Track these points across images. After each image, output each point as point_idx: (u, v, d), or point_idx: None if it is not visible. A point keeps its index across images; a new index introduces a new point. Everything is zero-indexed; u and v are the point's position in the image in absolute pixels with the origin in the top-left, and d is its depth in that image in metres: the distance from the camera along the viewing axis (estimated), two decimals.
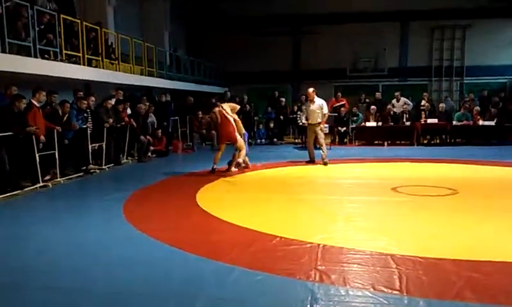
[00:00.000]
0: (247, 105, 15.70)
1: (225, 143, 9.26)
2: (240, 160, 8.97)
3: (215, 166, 9.09)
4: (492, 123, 14.03)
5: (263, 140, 15.70)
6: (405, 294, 3.36)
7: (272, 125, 15.73)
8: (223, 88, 19.02)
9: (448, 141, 14.53)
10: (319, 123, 10.13)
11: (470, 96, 16.48)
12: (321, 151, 10.14)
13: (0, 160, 7.13)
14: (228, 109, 9.18)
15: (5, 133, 7.11)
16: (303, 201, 6.67)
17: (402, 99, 15.39)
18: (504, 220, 5.40)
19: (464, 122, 14.24)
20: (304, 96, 15.77)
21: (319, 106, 10.15)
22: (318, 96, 10.40)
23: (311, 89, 10.35)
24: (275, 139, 15.60)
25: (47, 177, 8.16)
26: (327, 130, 13.47)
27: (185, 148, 14.05)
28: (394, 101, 15.37)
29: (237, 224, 5.31)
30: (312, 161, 10.27)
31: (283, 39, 20.62)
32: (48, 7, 9.69)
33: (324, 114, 10.22)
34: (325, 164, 9.97)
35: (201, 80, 18.16)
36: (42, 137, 7.87)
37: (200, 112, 14.22)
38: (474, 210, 5.98)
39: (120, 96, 11.32)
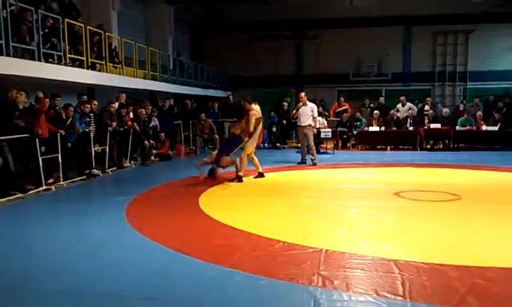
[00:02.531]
0: None
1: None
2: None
3: (241, 173, 8.60)
4: (496, 128, 14.01)
5: (266, 144, 15.70)
6: (408, 300, 3.34)
7: (274, 129, 15.74)
8: (226, 92, 19.05)
9: (451, 146, 14.51)
10: (310, 126, 10.78)
11: (474, 101, 16.44)
12: (310, 154, 10.82)
13: (4, 162, 7.16)
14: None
15: (10, 136, 7.15)
16: (305, 206, 6.65)
17: (408, 104, 15.39)
18: (508, 225, 5.38)
19: (468, 127, 14.23)
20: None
21: (310, 109, 10.81)
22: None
23: (303, 93, 11.32)
24: (278, 144, 15.60)
25: (50, 180, 8.17)
26: (330, 135, 13.55)
27: (188, 151, 14.06)
28: (399, 105, 15.37)
29: (240, 228, 5.31)
30: (303, 162, 10.97)
31: (286, 43, 20.68)
32: (55, 8, 9.74)
33: (314, 117, 10.94)
34: (314, 164, 10.64)
35: (204, 85, 18.21)
36: (40, 131, 7.67)
37: (203, 115, 14.27)
38: (478, 215, 5.94)
39: (122, 99, 11.35)
